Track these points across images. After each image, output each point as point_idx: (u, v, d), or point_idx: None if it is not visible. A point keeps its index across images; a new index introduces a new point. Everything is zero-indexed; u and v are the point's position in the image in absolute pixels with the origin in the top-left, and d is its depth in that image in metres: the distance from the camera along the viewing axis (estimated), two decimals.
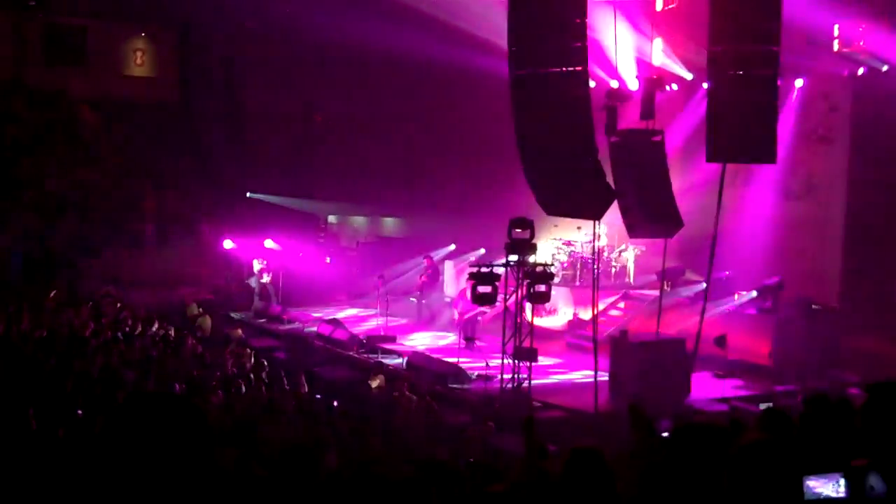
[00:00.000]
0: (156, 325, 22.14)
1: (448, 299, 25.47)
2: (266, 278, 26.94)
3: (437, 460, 8.64)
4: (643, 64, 21.69)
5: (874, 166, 22.22)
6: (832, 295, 22.68)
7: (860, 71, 22.37)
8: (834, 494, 3.99)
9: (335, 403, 17.45)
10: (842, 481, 3.97)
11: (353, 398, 18.35)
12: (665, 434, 9.58)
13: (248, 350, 20.94)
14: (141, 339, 20.95)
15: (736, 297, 22.27)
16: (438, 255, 27.21)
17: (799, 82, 23.81)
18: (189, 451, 2.40)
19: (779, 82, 17.81)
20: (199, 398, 16.06)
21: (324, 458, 7.13)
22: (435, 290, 25.56)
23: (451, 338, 22.56)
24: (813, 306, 21.17)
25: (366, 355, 21.52)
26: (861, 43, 21.79)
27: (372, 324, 24.26)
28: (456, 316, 22.06)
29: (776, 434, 6.69)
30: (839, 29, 22.05)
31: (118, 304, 24.12)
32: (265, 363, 19.69)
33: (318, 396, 18.10)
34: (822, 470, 4.09)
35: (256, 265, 27.08)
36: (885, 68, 21.71)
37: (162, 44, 31.59)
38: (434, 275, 25.50)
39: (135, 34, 31.13)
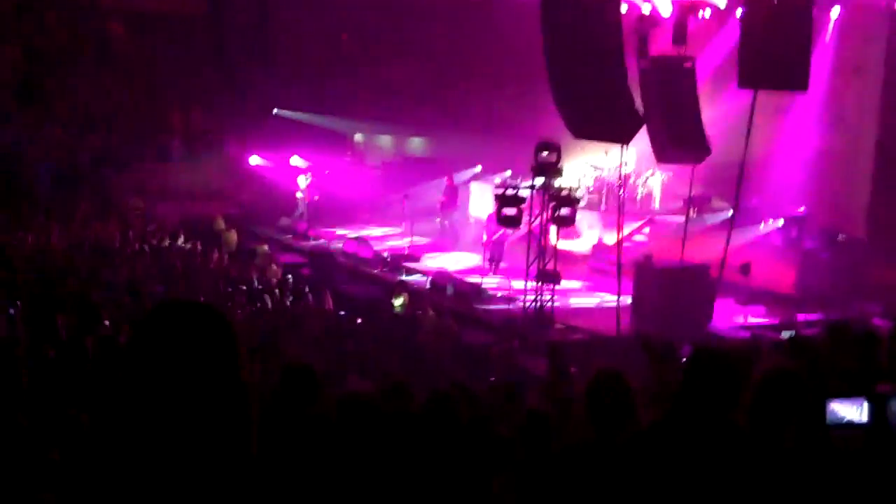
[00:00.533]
0: (182, 239, 22.33)
1: (473, 220, 25.53)
2: (300, 195, 26.81)
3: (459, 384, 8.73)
4: None
5: None
6: (859, 226, 22.60)
7: None
8: (857, 419, 4.05)
9: (359, 321, 17.65)
10: (865, 405, 4.02)
11: (376, 316, 18.54)
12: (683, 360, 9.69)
13: (274, 265, 21.14)
14: (168, 252, 21.17)
15: (762, 225, 22.21)
16: (463, 176, 27.18)
17: (835, 12, 23.42)
18: (218, 361, 2.38)
19: (814, 12, 17.55)
20: (223, 311, 16.27)
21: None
22: (454, 209, 25.53)
23: (476, 259, 22.66)
24: (839, 237, 21.13)
25: (390, 273, 21.65)
26: None
27: (397, 243, 24.36)
28: (484, 237, 22.04)
29: (800, 361, 6.76)
30: None
31: (145, 217, 24.33)
32: (290, 279, 19.90)
33: (342, 313, 18.30)
34: (845, 395, 4.15)
35: (303, 181, 26.92)
36: None
37: None
38: (452, 194, 25.46)
39: None
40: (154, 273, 19.23)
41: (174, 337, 2.36)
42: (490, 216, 21.02)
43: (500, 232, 21.05)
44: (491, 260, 21.44)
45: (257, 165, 28.56)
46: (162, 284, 17.94)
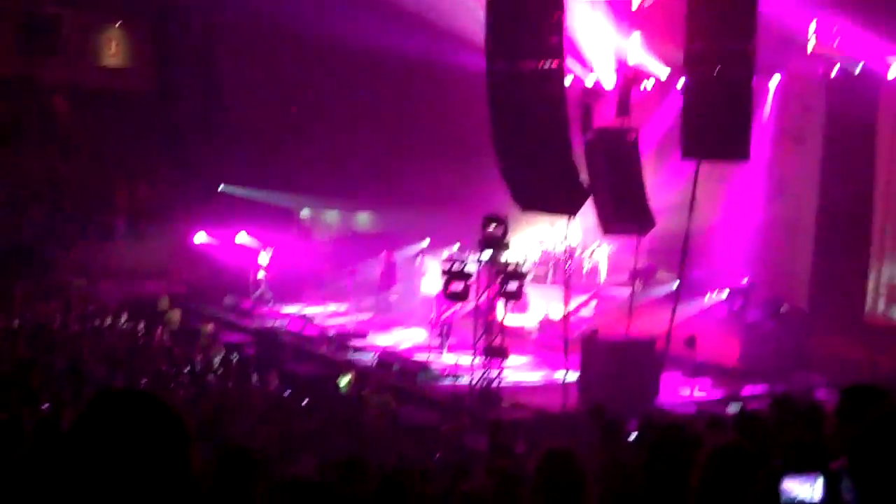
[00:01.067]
0: (125, 318, 21.98)
1: (421, 297, 25.39)
2: (262, 274, 26.36)
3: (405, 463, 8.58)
4: (619, 61, 21.65)
5: (846, 168, 22.27)
6: (802, 296, 22.76)
7: (834, 71, 22.41)
8: (809, 497, 3.94)
9: (305, 401, 17.37)
10: (818, 483, 3.91)
11: (322, 395, 18.27)
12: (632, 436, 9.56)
13: (219, 345, 20.83)
14: (110, 332, 20.81)
15: (707, 297, 22.30)
16: (411, 250, 27.15)
17: (774, 81, 23.82)
18: (163, 450, 2.31)
19: (753, 81, 17.81)
20: (165, 393, 15.95)
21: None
22: (392, 285, 25.43)
23: (424, 335, 22.47)
24: (782, 308, 21.25)
25: (335, 352, 21.40)
26: (835, 43, 21.80)
27: (342, 320, 24.15)
28: (433, 315, 21.77)
29: (747, 436, 6.66)
30: (815, 28, 22.07)
31: (88, 297, 23.97)
32: (234, 358, 19.59)
33: (288, 393, 18.01)
34: (797, 472, 4.05)
35: (264, 258, 26.46)
36: (859, 69, 21.74)
37: (137, 33, 31.22)
38: (390, 270, 25.38)
39: (109, 23, 30.79)
40: (96, 354, 18.85)
41: (118, 427, 2.29)
42: (439, 293, 20.81)
43: (450, 310, 20.83)
44: (441, 336, 21.18)
45: (203, 243, 28.28)
46: (104, 366, 17.56)
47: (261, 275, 26.24)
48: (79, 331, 20.38)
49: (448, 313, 21.03)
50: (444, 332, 21.29)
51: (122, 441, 2.27)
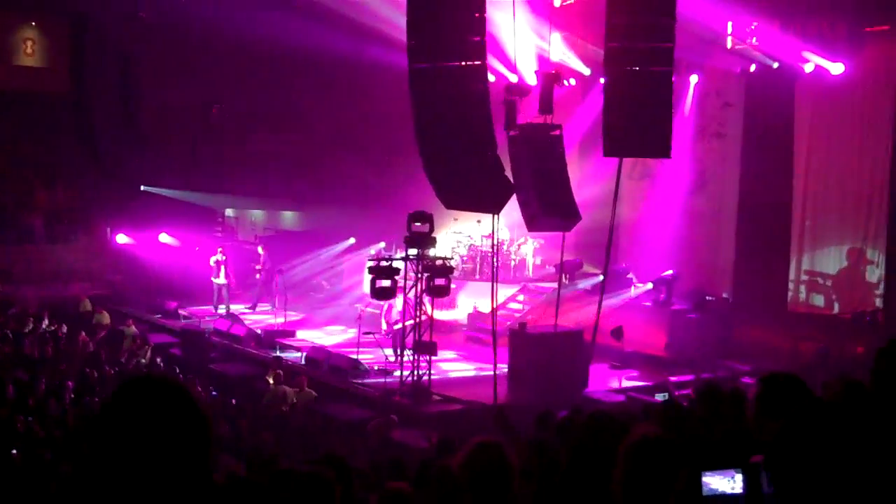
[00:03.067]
0: (46, 322, 21.60)
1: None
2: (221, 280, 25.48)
3: (337, 457, 8.53)
4: (541, 59, 21.82)
5: (765, 162, 22.76)
6: (725, 287, 23.23)
7: (752, 68, 22.86)
8: (730, 490, 4.01)
9: (233, 401, 17.25)
10: (738, 477, 3.99)
11: (250, 394, 18.16)
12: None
13: (145, 347, 20.59)
14: (30, 337, 20.43)
15: (632, 289, 22.62)
16: (336, 249, 27.15)
17: (694, 79, 24.25)
18: (187, 443, 2.31)
19: (674, 78, 18.06)
20: (90, 397, 15.73)
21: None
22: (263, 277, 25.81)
23: (350, 332, 22.34)
24: (706, 298, 21.65)
25: (263, 351, 21.26)
26: (753, 40, 22.25)
27: (269, 319, 24.00)
28: (384, 326, 21.10)
29: (672, 426, 6.77)
30: (732, 26, 22.50)
31: (8, 301, 23.52)
32: (159, 360, 19.39)
33: (215, 393, 17.87)
34: (718, 466, 4.11)
35: (214, 260, 25.49)
36: (776, 65, 22.22)
37: (54, 33, 30.65)
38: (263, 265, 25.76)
39: (25, 23, 30.22)
40: (18, 358, 18.53)
41: (144, 417, 2.28)
42: (389, 304, 20.22)
43: (401, 319, 20.13)
44: (394, 349, 20.02)
45: (125, 244, 27.87)
46: (24, 370, 17.25)
47: (220, 281, 25.39)
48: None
49: (398, 326, 20.28)
50: (396, 345, 20.02)
51: (148, 429, 2.27)
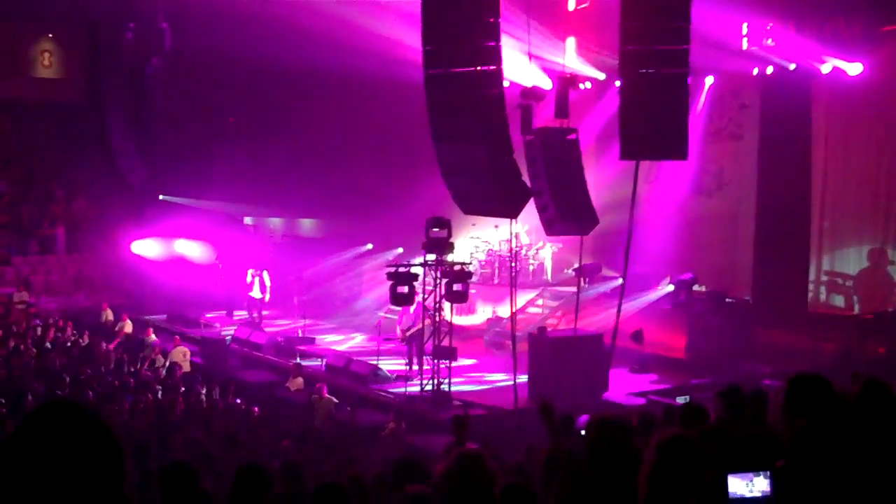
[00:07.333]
0: (69, 331, 21.73)
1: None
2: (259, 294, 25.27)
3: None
4: (557, 64, 21.80)
5: (782, 163, 22.68)
6: (744, 288, 23.12)
7: (769, 69, 22.77)
8: (756, 493, 4.02)
9: (255, 409, 17.26)
10: (763, 480, 3.99)
11: (271, 401, 18.19)
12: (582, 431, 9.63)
13: (162, 356, 20.65)
14: (53, 346, 20.55)
15: (652, 292, 22.56)
16: (352, 253, 27.21)
17: (709, 80, 24.16)
18: (95, 463, 2.27)
19: (689, 80, 18.01)
20: (111, 405, 15.80)
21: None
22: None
23: (359, 337, 22.37)
24: (726, 300, 21.58)
25: (284, 358, 21.30)
26: (769, 41, 22.16)
27: (290, 324, 24.07)
28: (399, 332, 20.96)
29: (695, 428, 6.76)
30: (748, 28, 22.42)
31: (30, 312, 23.69)
32: (181, 368, 19.44)
33: (238, 401, 17.89)
34: (744, 468, 4.11)
35: (252, 273, 25.29)
36: (792, 66, 22.12)
37: (70, 45, 30.91)
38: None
39: (42, 35, 30.44)
40: (40, 368, 18.65)
41: (52, 442, 2.24)
42: (404, 309, 19.89)
43: (417, 326, 20.15)
44: (409, 355, 20.26)
45: (144, 253, 27.99)
46: (45, 381, 17.33)
47: (257, 295, 25.19)
48: (21, 348, 20.04)
49: (413, 330, 20.32)
50: (413, 351, 20.25)
51: (56, 454, 2.23)
